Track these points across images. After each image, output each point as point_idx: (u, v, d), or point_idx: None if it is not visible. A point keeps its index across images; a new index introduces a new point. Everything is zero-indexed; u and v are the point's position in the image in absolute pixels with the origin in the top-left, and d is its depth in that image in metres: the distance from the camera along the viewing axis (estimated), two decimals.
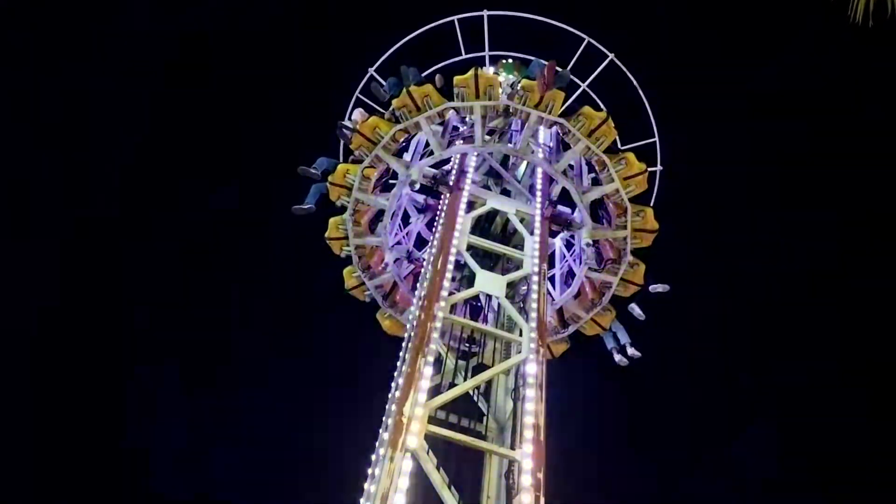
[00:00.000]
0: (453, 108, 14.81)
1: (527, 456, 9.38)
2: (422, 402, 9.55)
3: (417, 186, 15.09)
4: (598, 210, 15.61)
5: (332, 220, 16.03)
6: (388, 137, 14.92)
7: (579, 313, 16.06)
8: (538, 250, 13.08)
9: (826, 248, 29.53)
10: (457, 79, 14.59)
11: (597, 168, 15.18)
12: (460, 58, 17.72)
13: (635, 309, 15.81)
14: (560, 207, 15.60)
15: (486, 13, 17.21)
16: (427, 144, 15.42)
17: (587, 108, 14.68)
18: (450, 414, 11.16)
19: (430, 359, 10.35)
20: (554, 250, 16.74)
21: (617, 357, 16.13)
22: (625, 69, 17.21)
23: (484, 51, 17.80)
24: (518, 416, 10.45)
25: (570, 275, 16.75)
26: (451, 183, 14.84)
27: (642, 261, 15.74)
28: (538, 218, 14.01)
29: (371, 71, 17.46)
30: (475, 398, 12.34)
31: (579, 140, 14.64)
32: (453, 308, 11.68)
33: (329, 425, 26.80)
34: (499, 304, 12.77)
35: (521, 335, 11.45)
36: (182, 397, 29.47)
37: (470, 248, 13.04)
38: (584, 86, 17.68)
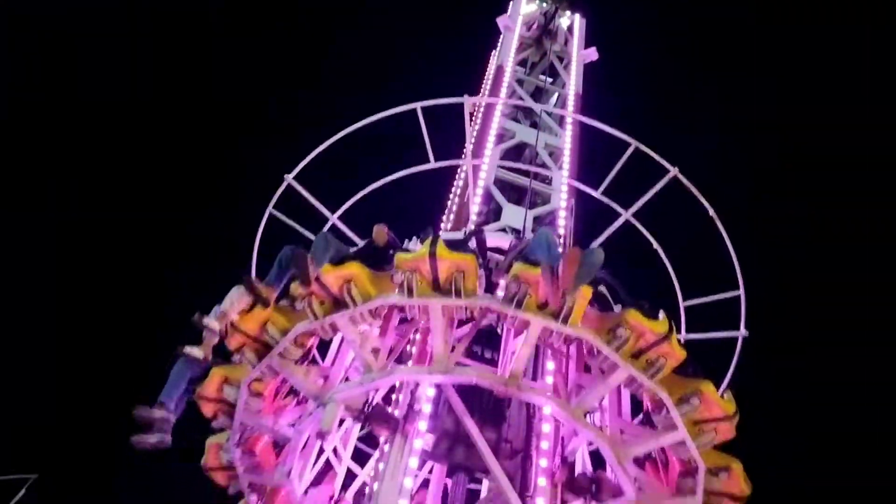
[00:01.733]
0: (395, 306, 8.41)
1: (547, 386, 8.68)
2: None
3: (333, 438, 8.82)
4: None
5: (209, 442, 9.92)
6: (286, 342, 8.64)
7: None
8: (566, 185, 12.49)
9: None
10: (399, 259, 8.11)
11: (648, 403, 8.78)
12: (429, 166, 11.17)
13: None
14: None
15: (466, 99, 10.52)
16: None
17: (633, 314, 8.10)
18: (473, 344, 9.79)
19: None
20: None
21: None
22: (696, 192, 10.60)
23: (463, 156, 11.23)
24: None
25: None
26: (397, 418, 8.58)
27: None
28: (567, 151, 13.22)
29: (289, 179, 11.03)
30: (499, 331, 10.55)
31: (617, 366, 8.19)
32: None
33: None
34: None
35: None
36: None
37: (497, 181, 12.60)
38: (626, 214, 11.11)
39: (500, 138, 13.80)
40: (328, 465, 10.62)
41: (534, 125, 14.42)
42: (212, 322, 8.28)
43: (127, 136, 31.45)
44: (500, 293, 8.42)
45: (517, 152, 14.31)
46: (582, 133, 14.01)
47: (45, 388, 26.20)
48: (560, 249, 8.98)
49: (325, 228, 11.22)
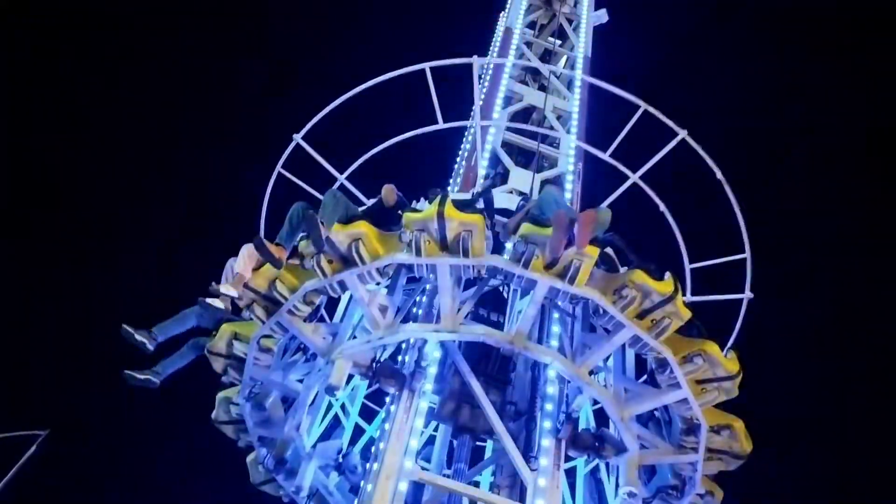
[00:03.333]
0: (402, 264, 8.50)
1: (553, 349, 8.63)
2: None
3: (339, 394, 8.96)
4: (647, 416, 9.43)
5: (220, 396, 10.13)
6: (294, 299, 8.76)
7: None
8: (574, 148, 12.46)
9: None
10: (407, 218, 8.18)
11: (653, 363, 8.90)
12: (437, 127, 11.17)
13: None
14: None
15: (476, 60, 10.48)
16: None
17: (638, 274, 8.19)
18: (479, 307, 9.90)
19: None
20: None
21: None
22: (704, 155, 10.59)
23: (471, 117, 11.22)
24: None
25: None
26: (404, 373, 8.68)
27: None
28: (575, 115, 13.21)
29: (297, 139, 11.07)
30: (505, 294, 10.69)
31: (622, 326, 8.29)
32: None
33: None
34: None
35: None
36: None
37: (504, 144, 12.69)
38: (634, 177, 11.12)
39: (508, 101, 13.79)
40: (336, 421, 10.85)
41: (542, 88, 14.37)
42: (228, 289, 8.40)
43: (136, 94, 31.40)
44: (506, 253, 8.46)
45: (525, 115, 14.31)
46: (591, 96, 13.99)
47: (55, 344, 26.62)
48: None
49: (333, 188, 11.27)
